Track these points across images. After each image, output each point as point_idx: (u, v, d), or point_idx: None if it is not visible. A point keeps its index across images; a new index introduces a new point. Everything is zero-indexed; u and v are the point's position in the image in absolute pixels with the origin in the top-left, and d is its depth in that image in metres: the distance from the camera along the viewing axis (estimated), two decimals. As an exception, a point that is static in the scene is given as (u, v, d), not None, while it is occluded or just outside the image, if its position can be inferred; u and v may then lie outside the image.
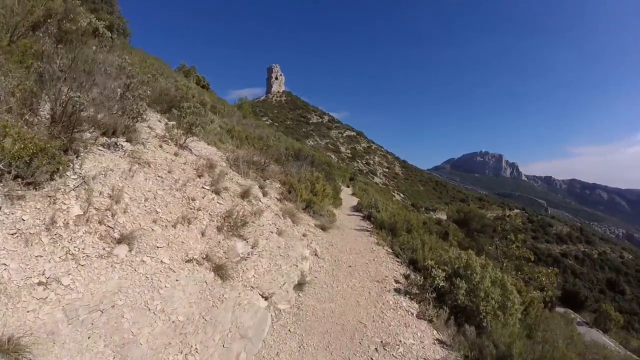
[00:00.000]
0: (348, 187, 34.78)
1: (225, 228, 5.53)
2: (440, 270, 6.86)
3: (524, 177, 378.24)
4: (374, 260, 8.60)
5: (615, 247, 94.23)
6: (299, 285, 6.33)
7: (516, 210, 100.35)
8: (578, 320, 24.04)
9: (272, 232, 6.87)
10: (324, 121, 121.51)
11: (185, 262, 4.50)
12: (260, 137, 15.64)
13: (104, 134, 6.04)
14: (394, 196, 75.71)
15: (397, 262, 8.75)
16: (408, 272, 8.11)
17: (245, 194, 7.30)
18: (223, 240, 5.35)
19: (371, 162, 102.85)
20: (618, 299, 61.09)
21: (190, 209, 5.60)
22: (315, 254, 8.15)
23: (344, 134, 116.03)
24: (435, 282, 6.70)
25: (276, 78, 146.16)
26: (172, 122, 9.38)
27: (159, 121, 9.25)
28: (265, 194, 8.99)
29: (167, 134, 8.18)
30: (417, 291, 6.86)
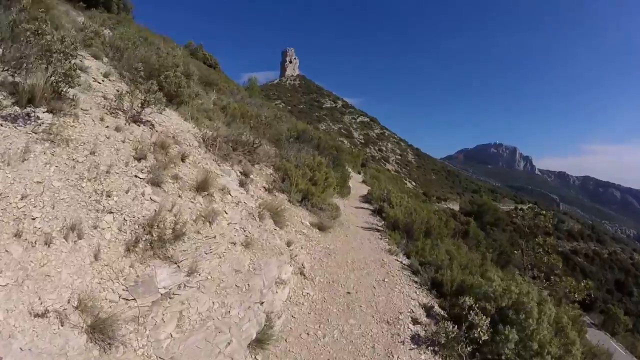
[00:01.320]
0: (359, 173, 32.52)
1: (141, 245, 3.40)
2: (482, 317, 4.60)
3: (537, 171, 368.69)
4: (384, 281, 6.39)
5: (626, 248, 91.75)
6: (259, 343, 4.02)
7: (528, 205, 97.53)
8: (587, 322, 22.35)
9: (233, 244, 4.72)
10: (338, 106, 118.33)
11: (34, 317, 2.39)
12: (259, 115, 13.42)
13: (16, 103, 4.04)
14: (406, 184, 73.51)
15: (415, 283, 6.56)
16: (431, 302, 5.90)
17: (202, 186, 5.13)
18: (132, 266, 3.21)
19: (384, 148, 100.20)
20: (625, 301, 59.24)
21: (95, 211, 3.48)
22: (302, 273, 5.97)
23: (358, 120, 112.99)
24: (476, 334, 4.48)
25: (290, 61, 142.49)
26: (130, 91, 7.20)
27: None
28: (244, 184, 6.83)
29: (121, 105, 6.05)
30: (444, 340, 4.65)
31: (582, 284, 13.43)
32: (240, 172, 7.87)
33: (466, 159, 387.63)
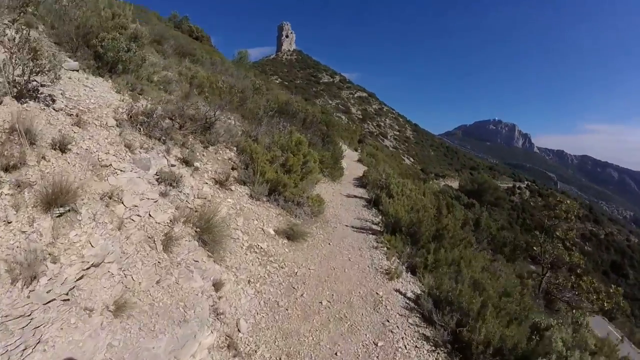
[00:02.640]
0: (356, 150, 30.12)
1: None
2: None
3: (535, 149, 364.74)
4: (376, 345, 3.92)
5: (623, 230, 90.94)
6: None
7: (527, 182, 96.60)
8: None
9: (88, 313, 2.39)
10: (335, 81, 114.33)
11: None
12: (232, 86, 10.87)
13: None
14: (404, 160, 71.81)
15: (427, 341, 4.11)
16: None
17: (57, 197, 2.76)
18: None
19: (382, 124, 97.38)
20: (621, 283, 58.50)
21: None
22: (230, 345, 3.40)
23: (355, 95, 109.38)
24: None
25: (287, 36, 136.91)
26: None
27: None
28: (172, 179, 4.44)
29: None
30: None
31: (611, 290, 11.29)
32: (179, 159, 5.48)
33: (465, 136, 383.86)
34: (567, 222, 12.70)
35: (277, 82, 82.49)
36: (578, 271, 12.53)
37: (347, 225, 7.53)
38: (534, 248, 12.15)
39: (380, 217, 8.52)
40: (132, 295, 3.04)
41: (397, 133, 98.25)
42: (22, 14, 7.14)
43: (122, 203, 3.66)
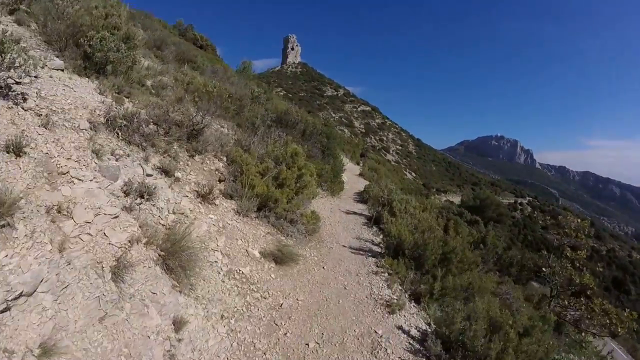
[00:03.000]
0: (358, 164, 29.54)
1: None
2: None
3: (537, 165, 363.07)
4: None
5: (625, 246, 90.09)
6: None
7: (528, 198, 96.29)
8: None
9: None
10: (339, 94, 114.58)
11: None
12: (229, 93, 10.33)
13: None
14: (406, 175, 71.43)
15: None
16: None
17: None
18: None
19: (385, 138, 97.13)
20: (622, 299, 57.48)
21: None
22: None
23: (359, 109, 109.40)
24: None
25: (292, 49, 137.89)
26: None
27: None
28: (143, 192, 3.81)
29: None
30: None
31: (625, 314, 10.53)
32: (157, 169, 4.86)
33: (467, 151, 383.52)
34: (577, 241, 12.00)
35: (282, 94, 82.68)
36: (588, 292, 11.78)
37: (344, 246, 6.85)
38: (544, 270, 11.41)
39: (381, 236, 7.85)
40: (64, 336, 2.40)
41: (400, 147, 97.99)
42: (15, 11, 6.72)
43: (72, 218, 3.03)
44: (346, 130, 77.67)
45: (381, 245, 7.27)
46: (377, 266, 6.08)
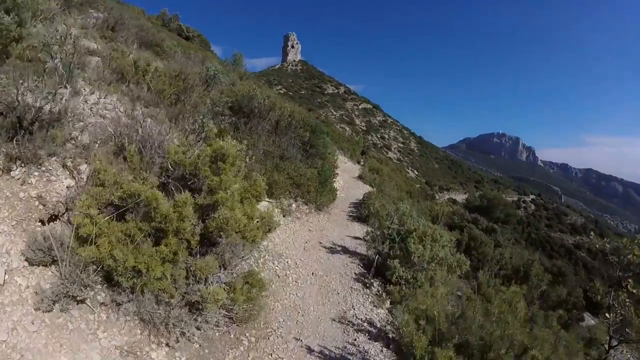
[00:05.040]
0: (359, 162, 26.39)
1: None
2: None
3: (539, 162, 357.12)
4: None
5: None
6: None
7: (532, 196, 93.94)
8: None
9: None
10: (340, 92, 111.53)
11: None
12: (176, 73, 7.25)
13: None
14: (408, 173, 69.08)
15: None
16: None
17: None
18: None
19: (386, 136, 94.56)
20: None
21: None
22: None
23: (360, 106, 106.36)
24: None
25: (292, 46, 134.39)
26: None
27: None
28: None
29: None
30: None
31: None
32: None
33: (469, 148, 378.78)
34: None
35: (282, 92, 79.85)
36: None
37: (312, 351, 3.63)
38: (607, 316, 8.28)
39: (389, 307, 4.63)
40: None
41: (402, 145, 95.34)
42: None
43: None
44: (347, 128, 75.10)
45: (385, 320, 4.07)
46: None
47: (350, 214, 9.37)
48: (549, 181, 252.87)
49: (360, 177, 17.66)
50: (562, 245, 73.29)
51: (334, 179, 10.81)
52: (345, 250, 6.48)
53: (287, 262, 4.73)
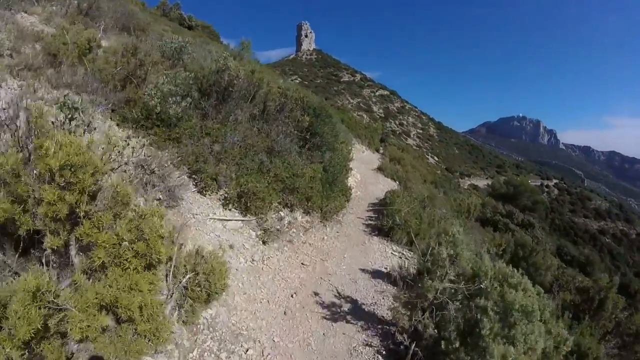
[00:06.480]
0: (378, 151, 23.86)
1: None
2: None
3: (561, 146, 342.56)
4: None
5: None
6: None
7: (555, 181, 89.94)
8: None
9: None
10: (356, 80, 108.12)
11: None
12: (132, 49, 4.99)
13: None
14: (428, 159, 66.47)
15: None
16: None
17: None
18: None
19: (405, 122, 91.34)
20: None
21: None
22: None
23: (377, 93, 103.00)
24: None
25: (306, 36, 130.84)
26: None
27: None
28: None
29: None
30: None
31: None
32: None
33: (488, 132, 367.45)
34: None
35: (297, 81, 77.52)
36: None
37: None
38: None
39: None
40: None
41: (420, 131, 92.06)
42: None
43: None
44: (365, 115, 73.28)
45: None
46: None
47: (369, 221, 7.01)
48: (571, 164, 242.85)
49: (380, 169, 15.15)
50: (587, 231, 69.44)
51: (347, 175, 8.45)
52: (356, 311, 3.89)
53: (246, 355, 2.43)
